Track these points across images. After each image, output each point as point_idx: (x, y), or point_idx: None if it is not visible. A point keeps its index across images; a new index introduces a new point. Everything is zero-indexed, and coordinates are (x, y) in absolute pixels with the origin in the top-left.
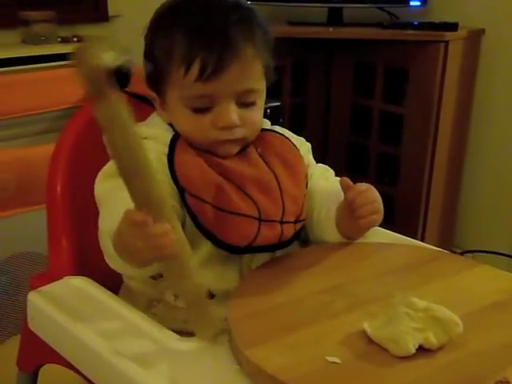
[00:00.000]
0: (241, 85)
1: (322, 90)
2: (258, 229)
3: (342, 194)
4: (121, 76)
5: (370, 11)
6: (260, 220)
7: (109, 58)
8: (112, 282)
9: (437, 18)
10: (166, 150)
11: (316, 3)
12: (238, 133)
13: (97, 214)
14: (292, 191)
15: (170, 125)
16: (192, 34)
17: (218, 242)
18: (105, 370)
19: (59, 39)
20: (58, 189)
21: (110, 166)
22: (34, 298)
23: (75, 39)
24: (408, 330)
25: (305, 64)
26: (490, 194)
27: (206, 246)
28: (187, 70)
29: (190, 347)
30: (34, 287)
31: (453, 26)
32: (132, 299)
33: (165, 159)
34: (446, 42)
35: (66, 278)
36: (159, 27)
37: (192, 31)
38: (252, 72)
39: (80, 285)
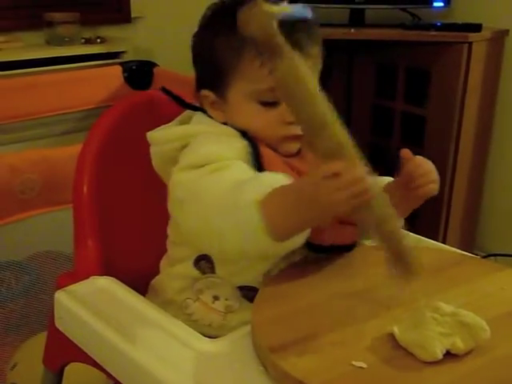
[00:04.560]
0: None
1: (343, 91)
2: (338, 229)
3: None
4: (142, 76)
5: (392, 12)
6: (339, 221)
7: (278, 8)
8: (136, 282)
9: (460, 18)
10: (247, 146)
11: (338, 4)
12: None
13: (123, 214)
14: None
15: (224, 124)
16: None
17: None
18: (130, 370)
19: (83, 40)
20: (85, 189)
21: (193, 158)
22: (61, 297)
23: (98, 40)
24: (435, 334)
25: (326, 65)
26: None
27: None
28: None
29: (217, 348)
30: (60, 286)
31: (476, 27)
32: (165, 297)
33: (250, 156)
34: (470, 43)
35: (92, 277)
36: (222, 23)
37: None
38: (316, 68)
39: (106, 285)
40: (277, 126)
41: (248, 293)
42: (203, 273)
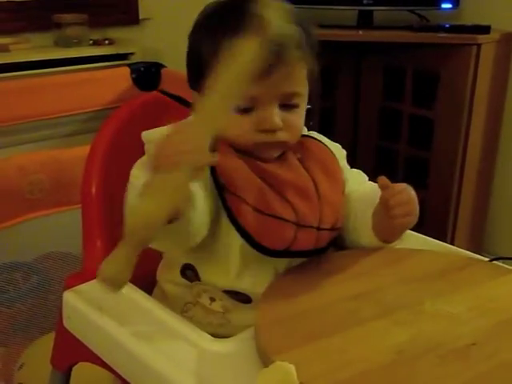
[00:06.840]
0: (285, 87)
1: (351, 93)
2: (295, 234)
3: (378, 196)
4: (150, 78)
5: (400, 14)
6: (297, 225)
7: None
8: (144, 282)
9: (469, 20)
10: None
11: (346, 6)
12: (280, 136)
13: None
14: (331, 198)
15: None
16: (237, 35)
17: (253, 244)
18: (139, 369)
19: (91, 42)
20: (93, 189)
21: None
22: (69, 297)
23: (106, 42)
24: None
25: (334, 67)
26: None
27: (241, 248)
28: None
29: (221, 348)
30: (68, 286)
31: (485, 29)
32: (167, 303)
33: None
34: (478, 45)
35: None
36: (205, 27)
37: (237, 32)
38: (296, 75)
39: None
40: (250, 133)
41: (236, 296)
42: (191, 281)
